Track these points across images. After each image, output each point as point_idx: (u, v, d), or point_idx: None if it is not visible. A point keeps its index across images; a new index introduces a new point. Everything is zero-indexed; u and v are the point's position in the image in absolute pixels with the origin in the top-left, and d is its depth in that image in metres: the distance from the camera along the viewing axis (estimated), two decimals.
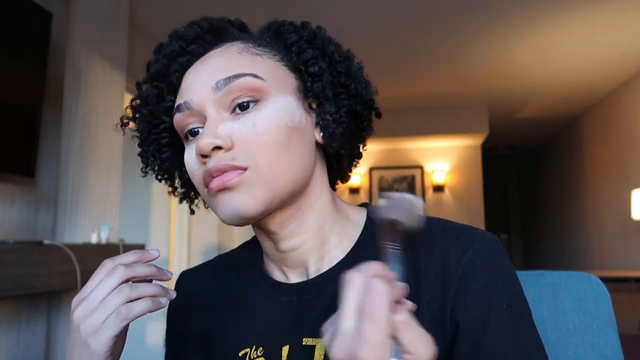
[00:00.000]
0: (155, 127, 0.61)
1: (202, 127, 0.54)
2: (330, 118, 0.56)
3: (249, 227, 0.66)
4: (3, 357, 1.90)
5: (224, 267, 0.69)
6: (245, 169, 0.52)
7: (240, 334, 0.61)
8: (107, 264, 0.54)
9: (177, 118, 0.56)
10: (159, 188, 3.78)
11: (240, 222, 0.54)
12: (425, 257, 0.55)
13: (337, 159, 0.62)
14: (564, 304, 0.68)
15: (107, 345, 0.49)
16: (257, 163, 0.52)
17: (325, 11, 3.03)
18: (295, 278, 0.60)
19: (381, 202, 0.48)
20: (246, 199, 0.52)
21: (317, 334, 0.55)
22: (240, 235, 4.24)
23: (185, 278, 0.73)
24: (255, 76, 0.53)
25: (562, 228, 6.38)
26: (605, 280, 0.68)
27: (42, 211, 2.15)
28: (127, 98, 2.97)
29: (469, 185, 5.55)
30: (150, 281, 0.56)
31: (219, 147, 0.52)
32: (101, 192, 2.38)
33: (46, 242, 1.88)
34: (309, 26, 0.59)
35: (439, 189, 5.54)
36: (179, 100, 0.55)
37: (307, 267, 0.59)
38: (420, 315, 0.52)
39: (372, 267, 0.41)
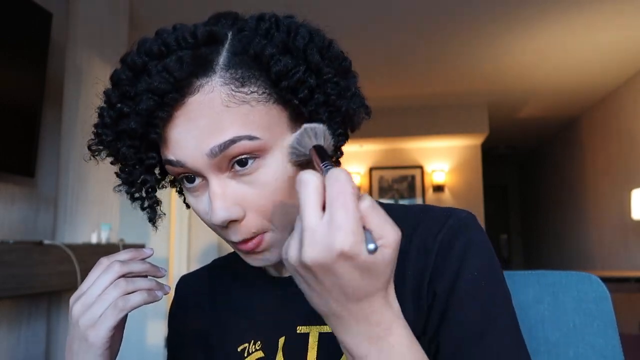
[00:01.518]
0: (137, 181, 0.58)
1: (198, 177, 0.53)
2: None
3: None
4: (3, 357, 1.90)
5: (221, 269, 0.71)
6: (264, 233, 0.53)
7: (238, 330, 0.62)
8: (104, 261, 0.57)
9: (170, 169, 0.53)
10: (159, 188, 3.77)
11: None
12: (409, 238, 0.56)
13: None
14: (565, 304, 0.68)
15: (105, 337, 0.51)
16: (275, 224, 0.52)
17: (325, 11, 3.03)
18: (287, 273, 0.63)
19: (303, 134, 0.50)
20: (274, 255, 0.55)
21: (310, 322, 0.57)
22: None
23: (184, 281, 0.75)
24: (252, 138, 0.49)
25: (562, 228, 6.38)
26: (605, 280, 0.68)
27: (42, 211, 2.15)
28: None
29: (469, 185, 5.55)
30: (145, 277, 0.58)
31: (233, 221, 0.51)
32: (101, 192, 2.38)
33: (46, 242, 1.88)
34: (297, 35, 0.51)
35: (439, 189, 5.54)
36: (170, 155, 0.51)
37: None
38: (405, 294, 0.54)
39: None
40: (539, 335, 0.68)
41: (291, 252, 0.39)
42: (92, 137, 0.56)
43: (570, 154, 6.04)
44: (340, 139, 0.56)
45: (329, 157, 0.46)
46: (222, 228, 0.52)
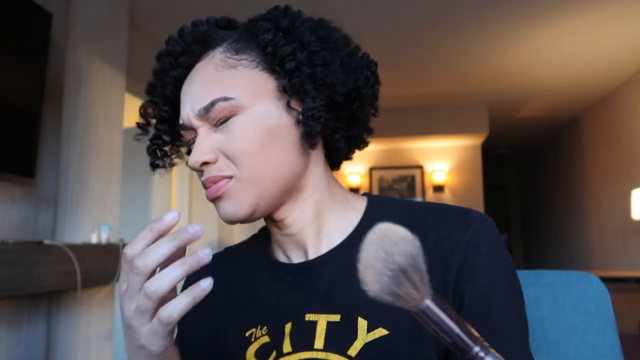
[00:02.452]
0: (163, 133, 0.66)
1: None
2: (309, 115, 0.58)
3: (250, 226, 0.69)
4: (3, 357, 1.90)
5: (232, 256, 0.73)
6: (230, 178, 0.58)
7: (246, 316, 0.64)
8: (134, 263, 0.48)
9: (183, 133, 0.62)
10: (159, 188, 3.78)
11: (234, 223, 0.60)
12: (424, 232, 0.57)
13: (332, 149, 0.65)
14: (564, 303, 0.68)
15: (161, 346, 0.48)
16: (239, 171, 0.58)
17: (325, 12, 3.03)
18: (297, 260, 0.65)
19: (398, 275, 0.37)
20: (233, 205, 0.58)
21: (319, 310, 0.59)
22: (240, 232, 4.24)
23: (215, 260, 0.78)
24: (225, 99, 0.57)
25: (562, 228, 6.38)
26: (605, 280, 0.68)
27: (42, 211, 2.15)
28: (127, 98, 2.98)
29: (469, 185, 5.55)
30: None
31: (206, 163, 0.58)
32: (101, 192, 2.38)
33: (46, 242, 1.88)
34: (287, 14, 0.61)
35: (439, 189, 5.54)
36: (181, 120, 0.61)
37: (306, 250, 0.64)
38: None
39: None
40: (538, 335, 0.68)
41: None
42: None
43: (570, 154, 6.04)
44: (323, 110, 0.58)
45: (470, 332, 0.37)
46: (198, 172, 0.60)
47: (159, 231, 0.48)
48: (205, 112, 0.58)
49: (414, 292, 0.36)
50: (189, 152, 0.66)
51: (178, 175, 3.94)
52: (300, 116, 0.59)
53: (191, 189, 3.98)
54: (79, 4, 2.34)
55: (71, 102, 2.26)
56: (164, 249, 0.46)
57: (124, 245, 2.29)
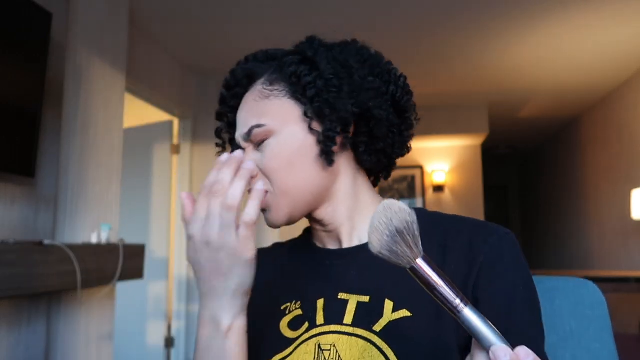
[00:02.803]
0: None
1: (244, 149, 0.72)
2: (326, 136, 0.68)
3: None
4: (3, 357, 1.90)
5: (278, 246, 0.85)
6: (266, 192, 0.68)
7: (284, 292, 0.74)
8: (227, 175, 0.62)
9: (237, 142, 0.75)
10: (159, 188, 3.78)
11: (277, 227, 0.71)
12: (452, 237, 0.66)
13: (360, 162, 0.75)
14: (561, 308, 0.69)
15: (254, 249, 0.61)
16: (273, 186, 0.69)
17: (325, 12, 3.03)
18: (331, 245, 0.76)
19: (394, 237, 0.45)
20: (273, 215, 0.70)
21: (351, 291, 0.68)
22: None
23: (271, 250, 0.88)
24: (259, 126, 0.69)
25: (562, 228, 6.38)
26: (605, 280, 0.69)
27: (42, 211, 2.15)
28: (127, 98, 2.98)
29: (469, 185, 5.55)
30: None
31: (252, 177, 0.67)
32: (101, 192, 2.38)
33: (46, 242, 1.88)
34: (312, 44, 0.72)
35: (439, 189, 5.54)
36: (236, 139, 0.74)
37: (342, 242, 0.74)
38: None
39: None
40: None
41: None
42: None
43: (570, 154, 6.04)
44: (338, 132, 0.69)
45: (456, 287, 0.44)
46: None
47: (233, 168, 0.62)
48: (247, 137, 0.70)
49: (408, 251, 0.44)
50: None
51: (178, 175, 3.94)
52: (320, 137, 0.69)
53: (191, 189, 3.98)
54: (79, 4, 2.34)
55: (71, 102, 2.26)
56: (240, 182, 0.60)
57: (124, 245, 2.29)
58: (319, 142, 0.69)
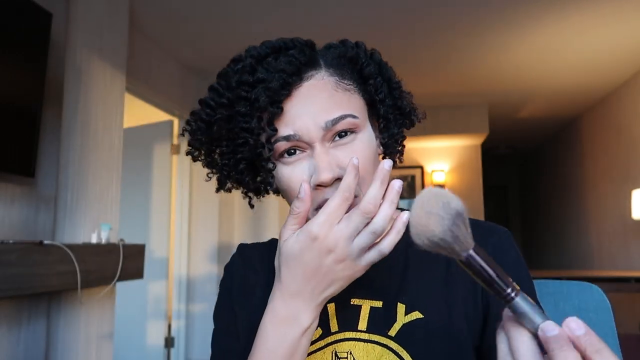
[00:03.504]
0: (242, 150, 0.66)
1: (300, 150, 0.63)
2: (393, 139, 0.70)
3: (250, 227, 0.70)
4: (3, 357, 1.90)
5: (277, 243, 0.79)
6: (356, 197, 0.61)
7: None
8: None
9: (280, 145, 0.63)
10: (159, 188, 3.78)
11: None
12: None
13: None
14: (565, 312, 0.68)
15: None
16: (363, 190, 0.62)
17: (325, 12, 3.03)
18: None
19: (456, 222, 0.42)
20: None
21: (363, 296, 0.67)
22: (240, 236, 4.24)
23: (242, 247, 0.83)
24: (354, 117, 0.63)
25: (562, 228, 6.38)
26: (605, 280, 0.68)
27: (42, 211, 2.15)
28: (127, 98, 2.98)
29: (469, 185, 5.55)
30: None
31: (336, 179, 0.61)
32: (101, 192, 2.38)
33: (46, 242, 1.88)
34: (373, 54, 0.70)
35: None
36: (286, 130, 0.62)
37: None
38: (453, 291, 0.64)
39: None
40: None
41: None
42: (193, 119, 0.67)
43: (570, 154, 6.04)
44: (403, 134, 0.73)
45: (507, 278, 0.42)
46: (317, 190, 0.61)
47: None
48: (332, 124, 0.61)
49: (468, 235, 0.42)
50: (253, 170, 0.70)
51: (178, 175, 3.94)
52: (384, 139, 0.70)
53: (191, 189, 3.98)
54: (79, 4, 2.34)
55: (71, 102, 2.26)
56: (390, 208, 0.56)
57: (124, 245, 2.29)
58: (381, 144, 0.70)
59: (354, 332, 0.64)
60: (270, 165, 0.65)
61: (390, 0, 2.97)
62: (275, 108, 0.61)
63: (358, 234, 0.55)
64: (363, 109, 0.66)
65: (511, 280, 0.42)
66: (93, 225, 2.28)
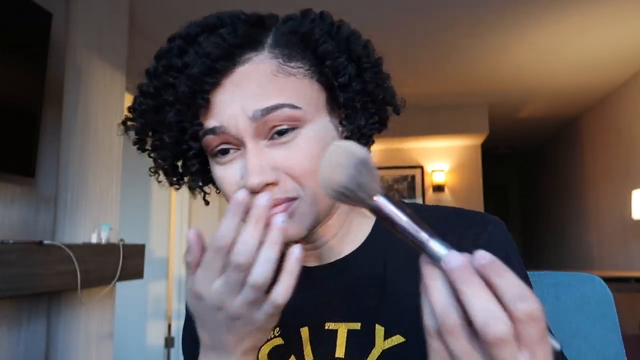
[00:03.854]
0: (178, 146, 0.58)
1: (234, 148, 0.54)
2: (359, 132, 0.58)
3: None
4: (3, 357, 1.90)
5: None
6: (295, 199, 0.54)
7: None
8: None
9: (209, 140, 0.54)
10: (159, 188, 3.77)
11: (292, 242, 0.55)
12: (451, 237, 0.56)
13: None
14: (566, 305, 0.67)
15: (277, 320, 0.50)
16: (304, 192, 0.54)
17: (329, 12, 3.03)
18: (320, 262, 0.64)
19: (360, 170, 0.42)
20: (296, 227, 0.54)
21: (339, 318, 0.58)
22: None
23: None
24: (293, 107, 0.52)
25: (562, 228, 6.38)
26: (605, 280, 0.68)
27: (42, 211, 2.15)
28: (127, 98, 2.97)
29: (469, 185, 5.55)
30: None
31: (268, 184, 0.52)
32: (101, 192, 2.38)
33: (46, 242, 1.88)
34: (341, 27, 0.58)
35: (439, 188, 5.54)
36: (211, 123, 0.53)
37: (328, 258, 0.63)
38: None
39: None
40: None
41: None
42: (129, 111, 0.58)
43: (570, 154, 6.03)
44: (375, 126, 0.59)
45: (420, 222, 0.40)
46: (253, 194, 0.51)
47: (241, 217, 0.47)
48: (262, 115, 0.51)
49: (373, 183, 0.41)
50: (197, 166, 0.60)
51: None
52: (349, 133, 0.57)
53: None
54: (79, 4, 2.34)
55: (71, 102, 2.26)
56: (271, 251, 0.45)
57: (124, 245, 2.28)
58: (346, 137, 0.57)
59: None
60: (193, 166, 0.58)
61: (391, 1, 2.97)
62: (199, 99, 0.52)
63: (242, 288, 0.46)
64: (316, 97, 0.55)
65: (426, 225, 0.39)
66: (93, 225, 2.28)
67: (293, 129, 0.53)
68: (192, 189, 0.64)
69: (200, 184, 0.64)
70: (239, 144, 0.54)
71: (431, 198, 5.55)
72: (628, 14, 3.14)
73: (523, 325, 0.32)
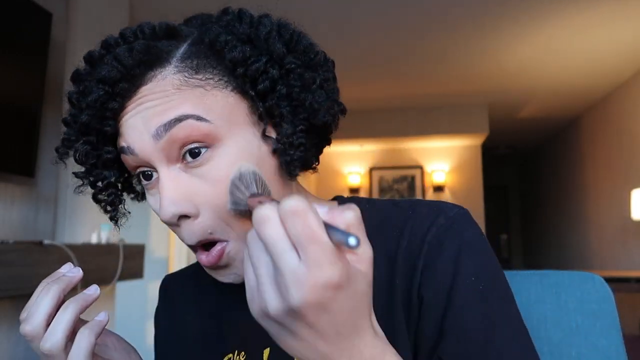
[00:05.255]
0: (97, 176, 0.57)
1: (154, 171, 0.50)
2: (287, 142, 0.50)
3: None
4: (3, 357, 1.90)
5: (206, 273, 0.63)
6: (226, 241, 0.50)
7: (223, 340, 0.59)
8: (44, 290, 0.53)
9: (125, 159, 0.51)
10: None
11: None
12: (396, 241, 0.52)
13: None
14: (567, 304, 0.67)
15: None
16: (235, 230, 0.49)
17: (324, 12, 3.03)
18: None
19: (233, 191, 0.48)
20: (239, 269, 0.51)
21: None
22: None
23: (170, 283, 0.72)
24: (199, 118, 0.47)
25: (562, 228, 6.38)
26: (604, 280, 0.68)
27: (42, 211, 2.15)
28: None
29: (469, 185, 5.55)
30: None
31: (185, 216, 0.49)
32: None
33: (46, 242, 1.88)
34: (259, 25, 0.50)
35: (439, 189, 5.54)
36: (122, 143, 0.50)
37: None
38: (395, 306, 0.50)
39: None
40: (541, 336, 0.67)
41: (271, 303, 0.34)
42: (62, 138, 0.54)
43: (570, 154, 6.04)
44: (305, 135, 0.51)
45: (269, 193, 0.48)
46: (175, 227, 0.50)
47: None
48: (165, 130, 0.46)
49: (242, 195, 0.47)
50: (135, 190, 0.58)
51: None
52: (277, 144, 0.50)
53: None
54: (79, 4, 2.34)
55: None
56: (62, 316, 0.48)
57: (124, 245, 2.28)
58: (274, 150, 0.50)
59: None
60: (104, 195, 0.57)
61: (391, 1, 2.97)
62: (104, 126, 0.49)
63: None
64: (232, 109, 0.49)
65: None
66: (93, 225, 2.28)
67: (206, 147, 0.47)
68: (112, 219, 0.60)
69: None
70: (154, 169, 0.50)
71: (431, 198, 5.56)
72: (628, 14, 3.14)
73: (288, 223, 0.33)
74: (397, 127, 5.19)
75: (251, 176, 0.48)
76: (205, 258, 0.50)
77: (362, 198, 0.60)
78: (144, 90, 0.48)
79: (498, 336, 0.47)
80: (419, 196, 5.55)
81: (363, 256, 0.35)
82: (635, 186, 4.13)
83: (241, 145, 0.48)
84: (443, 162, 5.62)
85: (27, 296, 1.94)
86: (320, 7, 2.97)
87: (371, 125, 5.10)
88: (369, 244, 0.36)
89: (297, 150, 0.50)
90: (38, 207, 2.13)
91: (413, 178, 5.63)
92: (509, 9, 3.07)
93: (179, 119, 0.46)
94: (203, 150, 0.47)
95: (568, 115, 5.62)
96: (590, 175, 5.37)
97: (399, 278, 0.51)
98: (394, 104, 4.99)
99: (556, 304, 0.67)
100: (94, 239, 2.22)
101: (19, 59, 1.90)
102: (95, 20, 2.42)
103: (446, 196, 5.55)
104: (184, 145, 0.47)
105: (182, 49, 0.49)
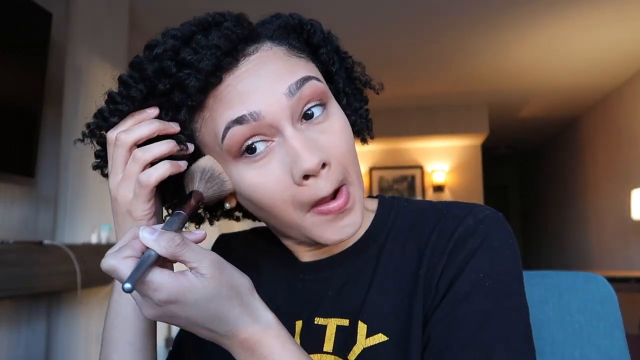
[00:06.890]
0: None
1: (264, 140, 0.50)
2: (358, 116, 0.60)
3: (249, 226, 0.69)
4: (3, 357, 1.90)
5: (256, 240, 0.71)
6: (346, 184, 0.52)
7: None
8: (112, 137, 0.52)
9: (237, 133, 0.49)
10: None
11: (347, 238, 0.55)
12: (428, 237, 0.56)
13: None
14: (570, 304, 0.67)
15: (143, 210, 0.52)
16: (353, 176, 0.53)
17: (325, 11, 3.02)
18: (318, 257, 0.62)
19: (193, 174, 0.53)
20: (357, 215, 0.53)
21: (329, 314, 0.58)
22: (243, 227, 4.23)
23: (222, 240, 0.77)
24: (318, 79, 0.52)
25: (562, 228, 6.38)
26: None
27: (42, 211, 2.15)
28: None
29: (469, 185, 5.55)
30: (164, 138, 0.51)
31: (323, 165, 0.49)
32: (101, 192, 2.38)
33: (46, 242, 1.87)
34: (314, 23, 0.59)
35: (439, 189, 5.54)
36: (239, 112, 0.48)
37: (328, 250, 0.61)
38: (416, 295, 0.53)
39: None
40: (544, 336, 0.67)
41: (147, 310, 0.45)
42: (99, 112, 0.55)
43: (570, 154, 6.04)
44: (364, 112, 0.62)
45: (183, 207, 0.50)
46: (303, 184, 0.49)
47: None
48: (297, 88, 0.49)
49: (198, 185, 0.53)
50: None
51: None
52: (351, 118, 0.59)
53: None
54: (79, 4, 2.33)
55: (71, 102, 2.26)
56: (161, 147, 0.50)
57: None
58: (353, 120, 0.60)
59: (319, 354, 0.56)
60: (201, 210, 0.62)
61: (391, 1, 2.96)
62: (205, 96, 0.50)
63: None
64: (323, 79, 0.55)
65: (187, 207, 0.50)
66: (93, 225, 2.27)
67: (321, 105, 0.52)
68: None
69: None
70: (272, 134, 0.50)
71: (431, 198, 5.55)
72: (628, 14, 3.14)
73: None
74: (397, 127, 5.19)
75: (206, 173, 0.53)
76: (336, 203, 0.51)
77: (401, 197, 0.64)
78: (254, 58, 0.51)
79: (490, 333, 0.48)
80: (419, 196, 5.55)
81: (202, 264, 0.44)
82: (635, 186, 4.13)
83: (340, 109, 0.55)
84: (443, 162, 5.62)
85: (27, 296, 1.94)
86: (320, 8, 2.97)
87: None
88: (207, 251, 0.45)
89: (367, 120, 0.61)
90: (38, 207, 2.13)
91: (413, 178, 5.63)
92: (509, 9, 3.07)
93: (307, 78, 0.50)
94: (317, 111, 0.52)
95: (568, 115, 5.62)
96: (590, 175, 5.37)
97: (424, 270, 0.54)
98: (394, 104, 4.99)
99: (559, 304, 0.67)
100: (94, 239, 2.22)
101: (19, 59, 1.90)
102: (95, 20, 2.42)
103: (446, 196, 5.55)
104: (307, 103, 0.51)
105: (266, 33, 0.54)
